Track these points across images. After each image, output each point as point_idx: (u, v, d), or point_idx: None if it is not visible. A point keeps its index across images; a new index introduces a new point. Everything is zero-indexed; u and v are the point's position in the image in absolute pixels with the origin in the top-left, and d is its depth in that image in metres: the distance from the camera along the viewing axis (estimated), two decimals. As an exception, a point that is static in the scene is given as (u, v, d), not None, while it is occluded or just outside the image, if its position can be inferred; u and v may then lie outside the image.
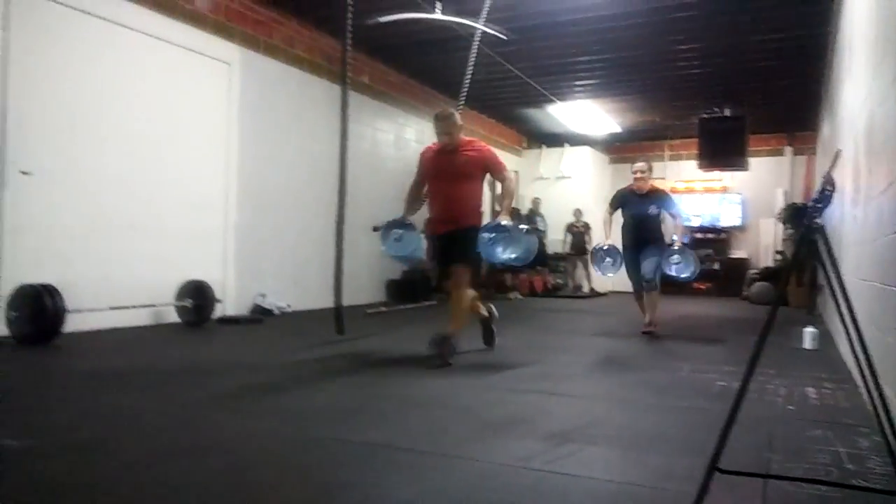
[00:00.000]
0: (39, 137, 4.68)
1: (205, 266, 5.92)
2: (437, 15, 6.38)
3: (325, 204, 6.07)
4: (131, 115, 5.37)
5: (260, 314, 6.42)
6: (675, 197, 6.23)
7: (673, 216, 5.85)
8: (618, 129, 11.83)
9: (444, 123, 4.17)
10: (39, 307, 4.23)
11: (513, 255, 4.01)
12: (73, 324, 4.49)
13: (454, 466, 2.07)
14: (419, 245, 4.31)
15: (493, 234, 3.94)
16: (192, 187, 5.94)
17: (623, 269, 5.82)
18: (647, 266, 5.60)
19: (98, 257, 5.07)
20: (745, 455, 2.11)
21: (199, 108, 6.05)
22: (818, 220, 1.60)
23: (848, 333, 1.84)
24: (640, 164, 5.81)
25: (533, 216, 11.49)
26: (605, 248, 5.79)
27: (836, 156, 2.04)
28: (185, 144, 5.89)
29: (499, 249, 3.97)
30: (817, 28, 6.75)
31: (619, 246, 5.83)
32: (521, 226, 4.28)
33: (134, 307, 5.18)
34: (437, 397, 3.12)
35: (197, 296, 5.55)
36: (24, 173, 4.52)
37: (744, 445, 2.14)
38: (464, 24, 6.50)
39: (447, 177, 4.16)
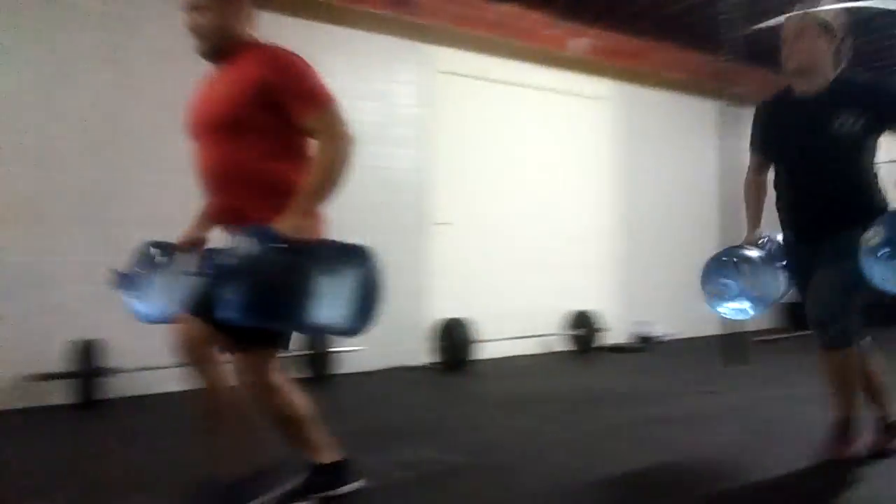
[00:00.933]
0: (451, 193, 5.50)
1: (588, 296, 6.19)
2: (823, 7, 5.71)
3: (703, 226, 5.88)
4: (519, 162, 5.97)
5: (642, 342, 6.45)
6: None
7: None
8: None
9: None
10: (455, 338, 4.96)
11: (309, 317, 1.72)
12: (479, 352, 5.13)
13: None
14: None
15: (226, 264, 1.75)
16: (572, 222, 6.31)
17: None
18: (823, 288, 2.37)
19: (496, 292, 5.70)
20: None
21: (575, 147, 6.42)
22: None
23: None
24: (793, 17, 2.49)
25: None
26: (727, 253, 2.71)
27: None
28: (564, 183, 6.29)
29: (232, 297, 1.68)
30: None
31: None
32: (338, 245, 1.88)
33: (528, 337, 5.70)
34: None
35: (583, 325, 5.85)
36: (440, 224, 5.37)
37: None
38: (850, 7, 5.69)
39: (201, 126, 2.01)
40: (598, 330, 5.92)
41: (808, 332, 2.42)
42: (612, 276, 6.53)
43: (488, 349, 5.41)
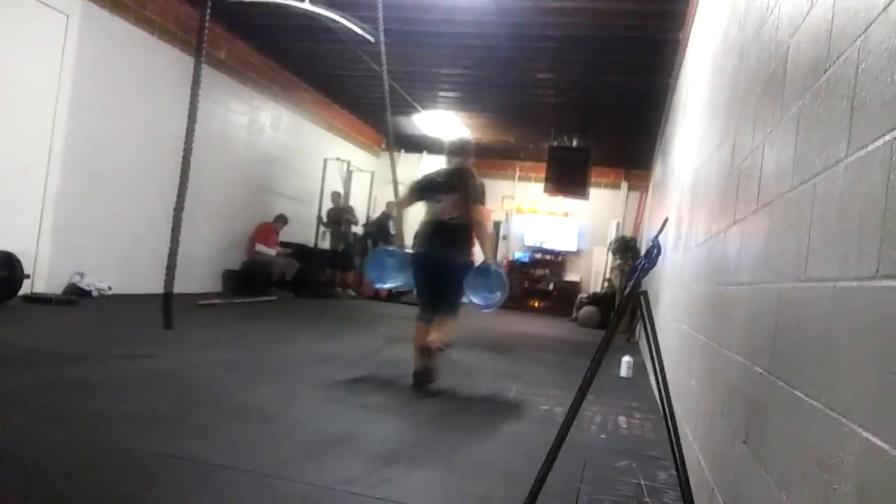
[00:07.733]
0: None
1: (14, 235, 5.30)
2: (306, 5, 6.19)
3: (164, 181, 5.69)
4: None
5: (75, 294, 5.85)
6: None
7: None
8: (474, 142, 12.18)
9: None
10: None
11: None
12: None
13: (273, 488, 1.99)
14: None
15: None
16: (9, 148, 5.30)
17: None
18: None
19: None
20: (559, 485, 2.23)
21: (27, 62, 5.42)
22: (643, 283, 1.72)
23: (657, 378, 2.00)
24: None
25: (387, 220, 11.32)
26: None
27: (664, 223, 2.22)
28: (5, 100, 5.25)
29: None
30: (660, 77, 7.34)
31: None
32: None
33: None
34: (265, 408, 3.00)
35: (1, 268, 4.95)
36: None
37: (559, 474, 2.25)
38: (331, 19, 6.38)
39: None
40: (21, 275, 5.10)
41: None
42: (49, 216, 5.73)
43: None
